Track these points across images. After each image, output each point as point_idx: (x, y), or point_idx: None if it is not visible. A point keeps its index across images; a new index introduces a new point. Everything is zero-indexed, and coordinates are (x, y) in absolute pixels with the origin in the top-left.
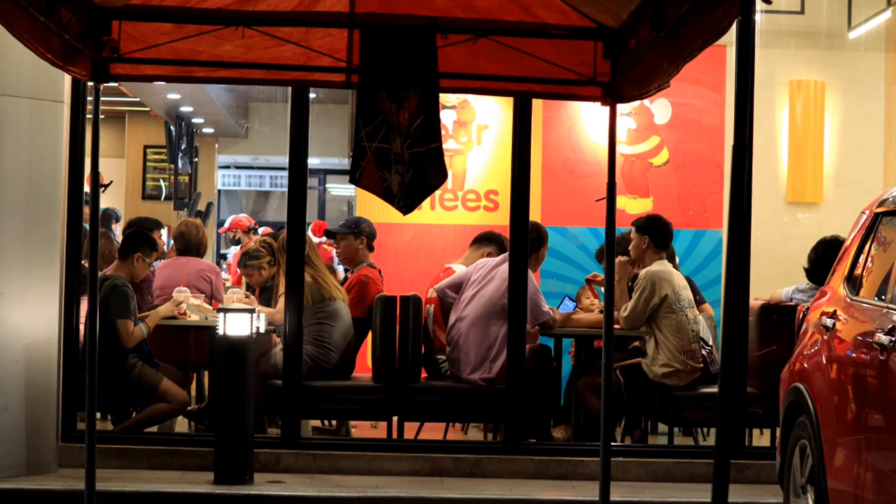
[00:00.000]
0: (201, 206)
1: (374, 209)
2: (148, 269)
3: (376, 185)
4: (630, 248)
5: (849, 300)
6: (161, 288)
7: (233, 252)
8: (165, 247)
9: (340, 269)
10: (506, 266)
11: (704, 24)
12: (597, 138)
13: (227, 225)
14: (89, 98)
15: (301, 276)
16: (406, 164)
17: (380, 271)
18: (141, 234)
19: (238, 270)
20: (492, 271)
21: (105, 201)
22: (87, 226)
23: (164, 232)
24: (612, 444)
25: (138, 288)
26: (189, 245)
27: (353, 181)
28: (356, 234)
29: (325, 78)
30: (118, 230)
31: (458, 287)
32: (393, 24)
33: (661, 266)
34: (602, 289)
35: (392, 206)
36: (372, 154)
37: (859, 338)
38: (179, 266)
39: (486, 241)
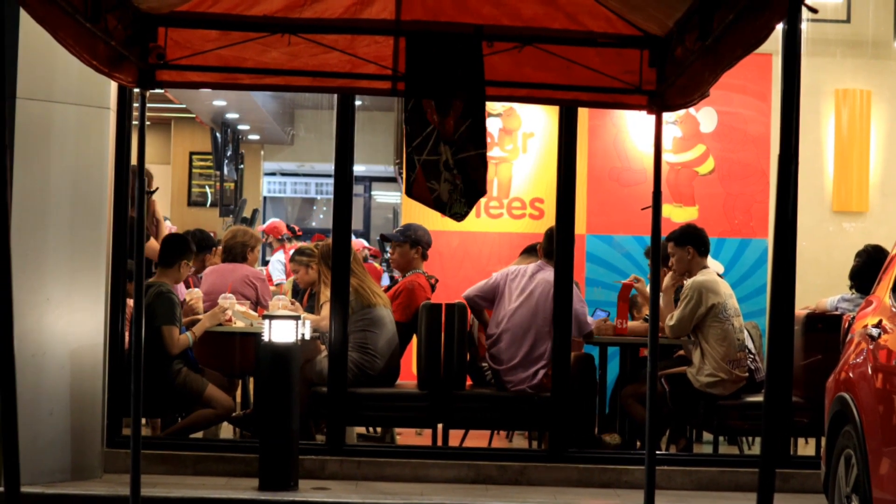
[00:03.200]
0: (247, 213)
1: (421, 216)
2: (190, 271)
3: (426, 195)
4: (673, 262)
5: (895, 310)
6: (207, 294)
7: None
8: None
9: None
10: (544, 274)
11: (747, 33)
12: (642, 147)
13: (265, 225)
14: (135, 104)
15: (346, 283)
16: (455, 169)
17: (436, 280)
18: (179, 240)
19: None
20: (532, 280)
21: None
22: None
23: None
24: (657, 452)
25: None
26: (235, 251)
27: (408, 193)
28: (412, 242)
29: (370, 85)
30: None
31: (491, 295)
32: (438, 32)
33: (707, 276)
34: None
35: (445, 216)
36: (420, 166)
37: None
38: (225, 272)
39: (535, 252)
